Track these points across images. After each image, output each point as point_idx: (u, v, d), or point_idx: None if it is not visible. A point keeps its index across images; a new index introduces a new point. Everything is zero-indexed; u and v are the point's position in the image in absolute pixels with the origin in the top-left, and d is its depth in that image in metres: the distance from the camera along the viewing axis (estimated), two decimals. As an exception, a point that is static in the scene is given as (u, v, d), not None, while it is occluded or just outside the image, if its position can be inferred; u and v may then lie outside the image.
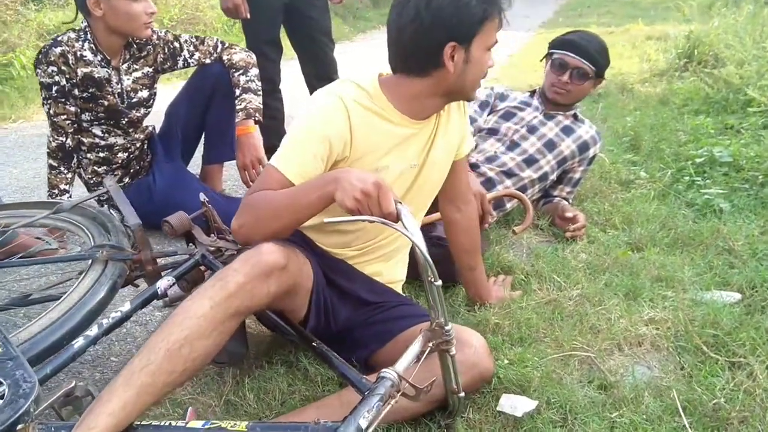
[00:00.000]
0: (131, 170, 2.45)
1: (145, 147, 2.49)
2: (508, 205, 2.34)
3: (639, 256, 2.15)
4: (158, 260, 1.61)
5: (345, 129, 1.40)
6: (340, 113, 1.40)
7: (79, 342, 1.30)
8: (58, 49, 2.11)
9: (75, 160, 2.29)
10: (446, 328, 1.23)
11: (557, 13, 12.71)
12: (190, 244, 1.65)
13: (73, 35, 2.16)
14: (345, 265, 1.59)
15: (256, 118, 2.28)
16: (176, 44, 2.34)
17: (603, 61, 2.34)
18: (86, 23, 2.17)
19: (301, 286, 1.40)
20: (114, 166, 2.39)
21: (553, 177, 2.40)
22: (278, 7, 2.90)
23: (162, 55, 2.33)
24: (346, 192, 1.21)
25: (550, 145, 2.36)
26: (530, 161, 2.32)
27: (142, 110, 2.37)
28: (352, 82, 1.47)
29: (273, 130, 2.93)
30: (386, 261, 1.65)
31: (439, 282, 1.18)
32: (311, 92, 2.97)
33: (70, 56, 2.13)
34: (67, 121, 2.20)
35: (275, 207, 1.34)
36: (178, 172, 2.45)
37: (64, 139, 2.22)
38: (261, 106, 2.32)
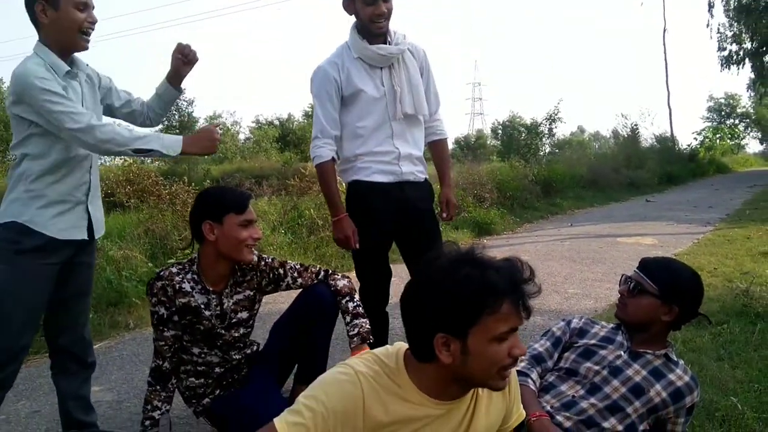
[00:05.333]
0: (224, 383, 2.61)
1: (243, 361, 2.63)
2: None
3: None
4: None
5: (357, 408, 1.38)
6: (355, 391, 1.39)
7: None
8: (159, 283, 2.39)
9: (173, 380, 2.49)
10: None
11: (747, 203, 11.62)
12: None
13: (174, 270, 2.42)
14: None
15: (370, 341, 2.42)
16: (281, 270, 2.54)
17: (670, 282, 2.17)
18: (196, 254, 2.45)
19: None
20: (209, 380, 2.57)
21: (641, 428, 2.24)
22: (385, 232, 2.96)
23: (266, 280, 2.54)
24: None
25: (637, 391, 2.14)
26: (614, 408, 2.12)
27: (241, 330, 2.55)
28: (374, 356, 1.47)
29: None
30: None
31: None
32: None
33: (169, 289, 2.39)
34: (165, 347, 2.44)
35: None
36: (267, 390, 2.56)
37: (161, 362, 2.46)
38: (370, 328, 2.47)
